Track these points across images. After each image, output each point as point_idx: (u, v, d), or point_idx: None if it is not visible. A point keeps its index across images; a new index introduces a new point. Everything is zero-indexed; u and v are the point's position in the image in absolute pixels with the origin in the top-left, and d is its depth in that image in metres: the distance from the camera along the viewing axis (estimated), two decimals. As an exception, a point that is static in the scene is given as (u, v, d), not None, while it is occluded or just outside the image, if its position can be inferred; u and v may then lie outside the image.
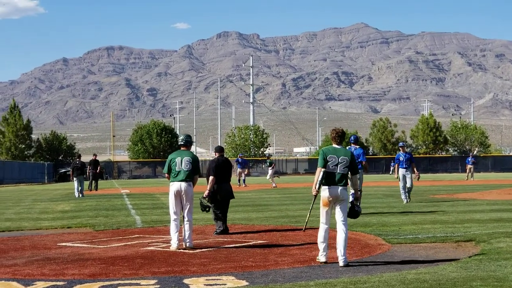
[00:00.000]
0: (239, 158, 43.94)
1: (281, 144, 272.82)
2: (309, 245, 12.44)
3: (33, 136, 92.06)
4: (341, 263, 9.91)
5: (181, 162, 12.28)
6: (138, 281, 8.86)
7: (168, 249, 12.06)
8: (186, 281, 8.84)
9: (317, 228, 10.52)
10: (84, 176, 34.52)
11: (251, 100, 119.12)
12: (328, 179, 10.22)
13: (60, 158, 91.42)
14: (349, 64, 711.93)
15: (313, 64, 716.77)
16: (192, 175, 12.34)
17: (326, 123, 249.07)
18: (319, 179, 10.21)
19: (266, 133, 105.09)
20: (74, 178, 33.21)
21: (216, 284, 8.62)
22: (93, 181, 41.07)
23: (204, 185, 15.03)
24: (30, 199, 32.23)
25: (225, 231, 14.54)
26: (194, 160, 12.45)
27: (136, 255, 11.47)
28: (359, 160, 19.17)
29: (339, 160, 10.26)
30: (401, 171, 23.24)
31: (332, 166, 10.23)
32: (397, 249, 11.73)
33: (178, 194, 12.23)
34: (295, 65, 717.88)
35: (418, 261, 10.39)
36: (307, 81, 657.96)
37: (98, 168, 41.19)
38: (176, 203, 12.29)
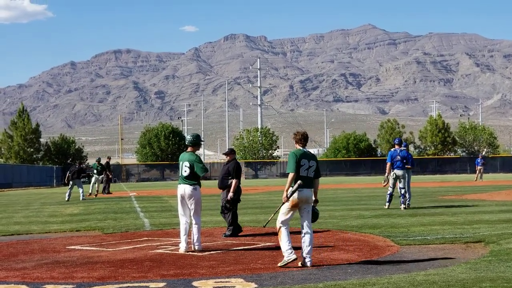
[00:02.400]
0: None
1: (289, 146, 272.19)
2: (317, 247, 12.42)
3: (42, 140, 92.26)
4: (309, 264, 10.05)
5: (181, 167, 12.27)
6: (147, 284, 8.86)
7: (177, 252, 12.06)
8: (195, 283, 8.84)
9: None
10: (82, 180, 35.44)
11: (258, 102, 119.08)
12: (302, 182, 10.18)
13: (68, 161, 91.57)
14: (357, 65, 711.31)
15: (320, 66, 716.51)
16: (194, 178, 12.21)
17: (334, 124, 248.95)
18: (294, 187, 10.09)
19: (275, 135, 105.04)
20: (70, 182, 33.74)
21: (225, 287, 8.61)
22: (107, 184, 41.23)
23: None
24: (39, 203, 32.29)
25: (234, 233, 14.53)
26: (192, 163, 12.20)
27: (145, 258, 11.47)
28: (407, 161, 21.41)
29: (310, 164, 10.27)
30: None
31: (304, 170, 10.20)
32: (406, 251, 11.71)
33: (182, 197, 12.23)
34: (302, 67, 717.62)
35: (427, 262, 10.36)
36: (315, 83, 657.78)
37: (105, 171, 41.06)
38: (183, 206, 12.29)
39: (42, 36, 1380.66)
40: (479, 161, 53.56)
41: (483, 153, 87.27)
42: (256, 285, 8.63)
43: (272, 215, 11.25)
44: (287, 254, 10.06)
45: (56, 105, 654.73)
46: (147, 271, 9.99)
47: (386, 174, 21.68)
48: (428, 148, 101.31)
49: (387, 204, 21.57)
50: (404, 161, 21.25)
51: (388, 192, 21.54)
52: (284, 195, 10.14)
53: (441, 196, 29.04)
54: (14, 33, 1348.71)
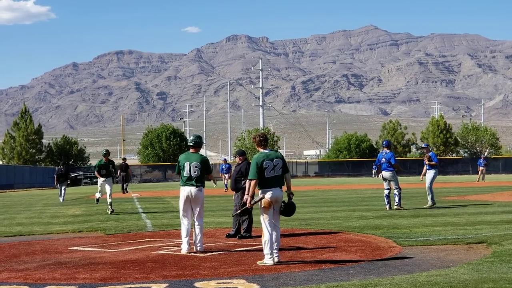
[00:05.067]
0: (224, 164, 43.65)
1: (291, 147, 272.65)
2: (319, 248, 12.42)
3: (44, 141, 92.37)
4: (276, 259, 10.41)
5: (189, 168, 12.25)
6: (149, 285, 8.86)
7: (178, 253, 12.06)
8: (197, 284, 8.84)
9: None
10: (68, 182, 37.33)
11: (260, 103, 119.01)
12: (270, 183, 10.44)
13: (71, 162, 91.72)
14: (359, 66, 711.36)
15: (322, 66, 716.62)
16: (202, 180, 12.36)
17: (336, 125, 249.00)
18: (256, 199, 10.45)
19: (276, 136, 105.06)
20: (58, 184, 35.67)
21: (227, 287, 8.62)
22: (124, 184, 42.77)
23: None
24: (41, 204, 32.33)
25: (237, 234, 14.54)
26: (203, 163, 12.40)
27: (147, 259, 11.48)
28: (390, 162, 21.47)
29: (274, 163, 10.50)
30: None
31: (270, 171, 10.44)
32: (408, 252, 11.70)
33: (188, 199, 12.23)
34: (304, 68, 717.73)
35: (429, 263, 10.36)
36: (317, 84, 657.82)
37: (128, 171, 43.27)
38: (186, 207, 12.28)
39: (44, 38, 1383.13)
40: (481, 162, 53.49)
41: (485, 154, 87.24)
42: (258, 286, 8.63)
43: (239, 211, 11.74)
44: (267, 258, 10.42)
45: (58, 106, 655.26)
46: (149, 272, 9.99)
47: (378, 176, 22.32)
48: (430, 149, 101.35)
49: (386, 206, 21.63)
50: (387, 163, 21.54)
51: (385, 194, 21.79)
52: (248, 200, 10.58)
53: (443, 197, 29.02)
54: (16, 34, 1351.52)
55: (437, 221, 16.86)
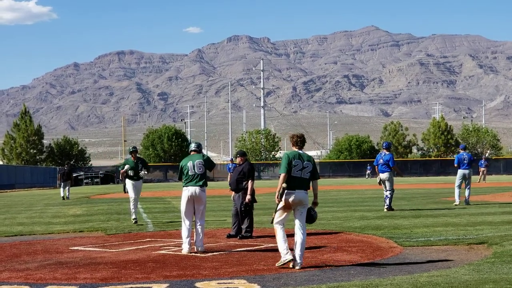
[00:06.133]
0: (231, 164, 43.37)
1: (292, 148, 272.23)
2: (320, 248, 12.42)
3: (45, 141, 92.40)
4: (298, 267, 9.95)
5: (193, 166, 12.32)
6: (150, 285, 8.87)
7: (179, 253, 12.07)
8: (198, 284, 8.85)
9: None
10: (71, 182, 38.09)
11: (261, 104, 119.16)
12: (294, 184, 10.14)
13: (72, 162, 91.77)
14: (360, 67, 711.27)
15: (323, 67, 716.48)
16: (205, 178, 12.46)
17: (337, 126, 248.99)
18: (280, 188, 10.08)
19: (277, 137, 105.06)
20: (62, 183, 36.51)
21: (228, 288, 8.63)
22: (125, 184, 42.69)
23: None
24: (42, 204, 32.34)
25: (238, 234, 14.53)
26: (206, 160, 12.59)
27: (147, 259, 11.48)
28: (388, 164, 21.37)
29: (304, 165, 10.25)
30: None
31: (297, 171, 10.17)
32: (409, 252, 11.70)
33: (191, 199, 12.25)
34: (305, 69, 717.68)
35: (430, 264, 10.36)
36: (318, 85, 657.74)
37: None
38: (188, 207, 12.31)
39: (46, 38, 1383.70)
40: (482, 162, 53.51)
41: (486, 155, 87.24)
42: (259, 286, 8.63)
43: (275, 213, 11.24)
44: (283, 254, 10.05)
45: (59, 107, 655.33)
46: (150, 272, 9.99)
47: (377, 177, 22.05)
48: (431, 150, 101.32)
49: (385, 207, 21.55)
50: (384, 164, 21.44)
51: (385, 196, 21.60)
52: (276, 195, 10.17)
53: (444, 197, 29.04)
54: (18, 34, 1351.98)
55: (438, 222, 16.87)
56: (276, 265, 10.13)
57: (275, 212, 10.63)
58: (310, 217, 10.42)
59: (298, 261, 10.02)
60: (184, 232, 12.23)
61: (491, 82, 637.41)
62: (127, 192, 18.93)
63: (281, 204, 10.14)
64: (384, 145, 22.38)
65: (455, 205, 22.93)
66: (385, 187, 21.45)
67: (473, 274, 9.05)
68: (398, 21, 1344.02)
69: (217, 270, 10.02)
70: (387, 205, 21.26)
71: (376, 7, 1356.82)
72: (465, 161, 23.59)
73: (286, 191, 10.07)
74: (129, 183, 18.91)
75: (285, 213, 10.24)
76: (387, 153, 21.69)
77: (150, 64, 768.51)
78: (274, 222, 10.27)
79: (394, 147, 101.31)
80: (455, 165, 23.98)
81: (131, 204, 18.72)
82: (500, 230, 14.38)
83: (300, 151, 10.42)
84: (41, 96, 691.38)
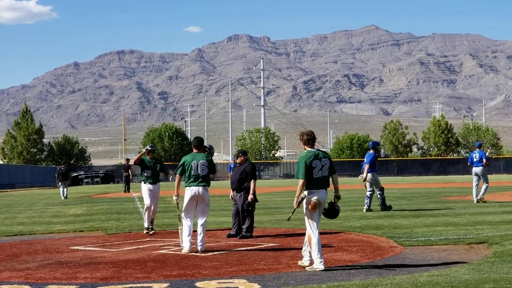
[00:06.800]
0: (233, 163, 43.36)
1: (292, 147, 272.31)
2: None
3: (45, 140, 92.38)
4: (322, 267, 9.82)
5: (197, 166, 12.29)
6: (150, 285, 8.87)
7: (180, 253, 12.07)
8: (198, 284, 8.85)
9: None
10: (69, 181, 38.19)
11: (262, 103, 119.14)
12: (316, 184, 10.03)
13: (72, 162, 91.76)
14: (360, 66, 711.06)
15: (324, 66, 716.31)
16: (208, 179, 12.45)
17: (337, 125, 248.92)
18: (300, 197, 9.96)
19: (277, 136, 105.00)
20: (60, 183, 36.68)
21: (228, 287, 8.62)
22: (126, 184, 43.19)
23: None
24: (42, 203, 32.34)
25: (238, 233, 14.52)
26: (210, 162, 12.59)
27: (148, 258, 11.48)
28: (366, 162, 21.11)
29: (322, 163, 10.11)
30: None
31: (317, 172, 10.03)
32: (409, 252, 11.70)
33: (194, 198, 12.24)
34: (306, 68, 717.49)
35: (430, 263, 10.36)
36: (318, 84, 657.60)
37: (130, 171, 42.92)
38: (190, 207, 12.31)
39: (46, 37, 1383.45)
40: (482, 162, 53.32)
41: (487, 154, 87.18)
42: (259, 286, 8.64)
43: (291, 214, 11.14)
44: (318, 262, 9.85)
45: (60, 106, 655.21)
46: (150, 271, 10.00)
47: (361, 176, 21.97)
48: (431, 149, 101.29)
49: (365, 207, 21.21)
50: (365, 164, 21.23)
51: (366, 195, 21.36)
52: (295, 201, 10.03)
53: (444, 197, 29.02)
54: (18, 34, 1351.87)
55: (438, 221, 16.86)
56: (307, 268, 9.96)
57: (292, 212, 10.66)
58: (335, 211, 10.37)
59: (321, 259, 9.95)
60: (185, 231, 12.22)
61: (491, 81, 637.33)
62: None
63: (306, 208, 10.03)
64: (370, 145, 22.08)
65: (476, 203, 23.33)
66: (368, 188, 21.22)
67: (473, 273, 9.05)
68: (398, 20, 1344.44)
69: (217, 270, 10.02)
70: (380, 204, 21.22)
71: (376, 7, 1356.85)
72: (475, 159, 23.95)
73: (309, 190, 9.98)
74: (144, 188, 16.36)
75: (315, 215, 10.10)
76: (371, 152, 21.40)
77: (150, 63, 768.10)
78: (310, 229, 10.07)
79: (394, 146, 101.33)
80: (469, 163, 24.52)
81: (145, 213, 16.18)
82: (500, 230, 14.38)
83: (315, 150, 10.23)
84: (41, 95, 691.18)
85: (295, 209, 10.25)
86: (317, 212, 10.13)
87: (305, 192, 10.00)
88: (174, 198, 12.66)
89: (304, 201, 10.01)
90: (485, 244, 12.20)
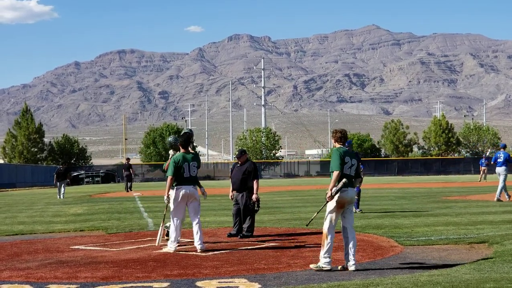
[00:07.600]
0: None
1: (292, 147, 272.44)
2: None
3: (45, 140, 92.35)
4: (353, 268, 9.76)
5: (189, 168, 12.31)
6: (150, 284, 8.86)
7: (180, 252, 12.06)
8: (198, 283, 8.84)
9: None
10: (68, 181, 38.45)
11: (262, 103, 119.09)
12: (347, 182, 9.95)
13: (72, 161, 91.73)
14: (361, 66, 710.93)
15: (324, 66, 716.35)
16: (197, 179, 12.57)
17: (338, 125, 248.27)
18: (339, 185, 9.78)
19: (278, 135, 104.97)
20: (58, 183, 36.77)
21: (228, 287, 8.61)
22: (128, 183, 43.24)
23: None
24: (42, 203, 32.31)
25: (239, 233, 14.51)
26: (198, 162, 12.65)
27: (148, 258, 11.48)
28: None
29: (352, 162, 10.06)
30: None
31: (347, 168, 9.96)
32: (410, 251, 11.70)
33: (185, 197, 12.24)
34: (306, 67, 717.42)
35: (431, 263, 10.36)
36: (319, 83, 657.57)
37: (131, 170, 43.10)
38: (180, 207, 12.33)
39: (47, 37, 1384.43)
40: (483, 161, 53.36)
41: (487, 154, 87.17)
42: (259, 285, 8.63)
43: (315, 214, 11.06)
44: (324, 261, 9.79)
45: (60, 105, 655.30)
46: (151, 271, 9.99)
47: None
48: (432, 149, 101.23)
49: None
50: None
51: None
52: (328, 194, 9.84)
53: (445, 196, 29.02)
54: (19, 33, 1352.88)
55: (438, 221, 16.86)
56: (311, 266, 9.93)
57: (317, 213, 10.59)
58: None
59: (354, 261, 9.87)
60: (172, 232, 12.25)
61: (492, 81, 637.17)
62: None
63: (332, 205, 9.86)
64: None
65: (507, 201, 23.90)
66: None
67: (474, 273, 9.04)
68: (399, 20, 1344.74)
69: (218, 269, 10.02)
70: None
71: (377, 6, 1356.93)
72: (499, 159, 24.47)
73: (341, 188, 9.81)
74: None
75: (338, 214, 10.01)
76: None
77: (151, 63, 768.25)
78: (328, 227, 9.92)
79: (395, 145, 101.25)
80: (492, 162, 25.19)
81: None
82: (501, 229, 14.38)
83: (347, 148, 10.23)
84: (42, 94, 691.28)
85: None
86: (340, 212, 10.01)
87: (340, 184, 9.80)
88: (166, 199, 12.50)
89: (337, 196, 9.83)
90: (486, 243, 12.19)
